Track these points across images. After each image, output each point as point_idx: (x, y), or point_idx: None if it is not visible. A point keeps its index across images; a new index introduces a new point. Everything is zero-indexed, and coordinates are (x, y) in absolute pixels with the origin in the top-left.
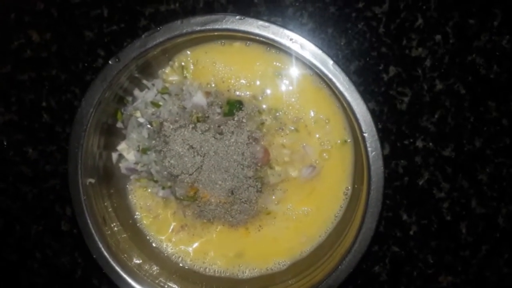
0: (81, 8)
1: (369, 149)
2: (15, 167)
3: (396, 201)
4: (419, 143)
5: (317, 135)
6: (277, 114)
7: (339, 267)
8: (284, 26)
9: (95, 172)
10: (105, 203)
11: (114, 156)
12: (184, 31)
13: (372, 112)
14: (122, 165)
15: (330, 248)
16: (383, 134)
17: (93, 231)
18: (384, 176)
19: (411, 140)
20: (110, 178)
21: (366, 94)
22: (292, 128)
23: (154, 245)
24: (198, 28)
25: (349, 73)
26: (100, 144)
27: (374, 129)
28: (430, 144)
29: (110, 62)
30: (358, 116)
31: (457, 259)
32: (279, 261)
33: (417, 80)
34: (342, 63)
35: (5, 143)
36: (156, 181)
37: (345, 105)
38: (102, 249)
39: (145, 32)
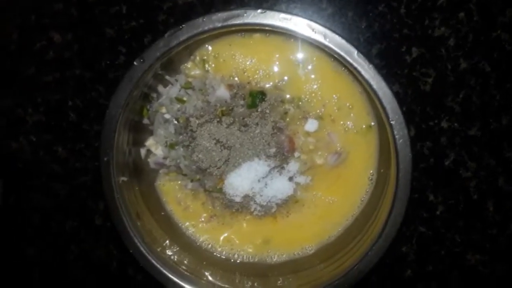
0: (100, 6)
1: (396, 136)
2: (46, 166)
3: (422, 183)
4: (444, 124)
5: (341, 122)
6: (300, 102)
7: (369, 252)
8: (303, 13)
9: (126, 169)
10: (137, 198)
11: (143, 151)
12: (207, 27)
13: (396, 95)
14: (151, 160)
15: (358, 232)
16: (408, 116)
17: (128, 227)
18: (412, 162)
19: (436, 121)
20: (140, 173)
21: (389, 76)
22: (316, 116)
23: (185, 235)
24: (220, 24)
25: (371, 57)
26: (129, 141)
27: (401, 116)
28: (456, 124)
29: (135, 63)
30: (385, 103)
31: (485, 237)
32: (306, 246)
33: (441, 60)
34: (364, 46)
35: (35, 141)
36: (184, 175)
37: (371, 93)
38: (138, 244)
39: (166, 29)
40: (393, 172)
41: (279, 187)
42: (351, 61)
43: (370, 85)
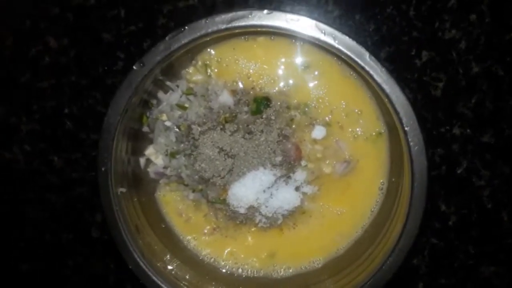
0: (97, 10)
1: (411, 143)
2: (41, 176)
3: (434, 192)
4: (456, 130)
5: (350, 129)
6: (306, 109)
7: (383, 266)
8: (309, 15)
9: (125, 179)
10: (137, 210)
11: (142, 161)
12: (210, 30)
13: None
14: (151, 170)
15: (369, 245)
16: (418, 123)
17: (127, 241)
18: (427, 171)
19: (448, 128)
20: (139, 184)
21: (399, 81)
22: (323, 122)
23: (187, 248)
24: (224, 26)
25: (380, 60)
26: (127, 149)
27: (416, 121)
28: (468, 130)
29: (134, 67)
30: (398, 109)
31: (500, 248)
32: (313, 260)
33: (452, 64)
34: (372, 50)
35: (30, 150)
36: (186, 185)
37: (383, 98)
38: (138, 259)
39: (166, 33)
40: (407, 181)
41: (286, 197)
42: (362, 64)
43: (382, 90)
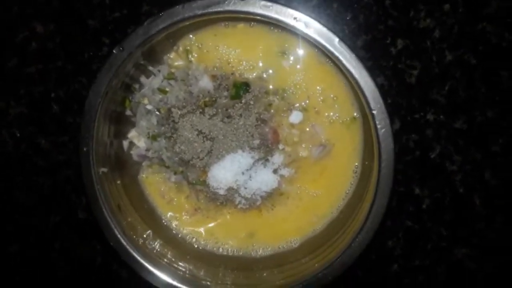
0: None
1: (378, 126)
2: (29, 159)
3: (408, 176)
4: (430, 116)
5: (326, 113)
6: (285, 94)
7: (352, 244)
8: (287, 4)
9: (107, 161)
10: (119, 191)
11: (125, 143)
12: (186, 15)
13: (381, 87)
14: (134, 152)
15: (342, 225)
16: (393, 109)
17: (109, 219)
18: (394, 153)
19: (422, 114)
20: (123, 166)
21: (374, 69)
22: (300, 107)
23: (169, 228)
24: (200, 12)
25: (357, 49)
26: (110, 132)
27: (383, 105)
28: (441, 117)
29: (114, 51)
30: (367, 93)
31: (472, 232)
32: (290, 240)
33: (426, 52)
34: (349, 38)
35: (18, 135)
36: (168, 167)
37: (352, 82)
38: (119, 236)
39: (147, 19)
40: (375, 163)
41: (264, 179)
42: (332, 49)
43: (351, 74)
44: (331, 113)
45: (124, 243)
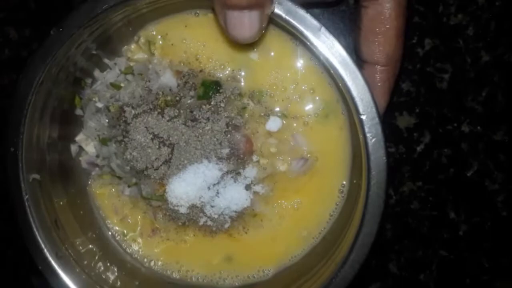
0: None
1: (368, 134)
2: None
3: (441, 197)
4: (465, 128)
5: (307, 119)
6: (263, 97)
7: (334, 279)
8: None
9: (44, 167)
10: (61, 203)
11: (73, 148)
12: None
13: (407, 94)
14: (83, 159)
15: (325, 254)
16: (422, 120)
17: (38, 236)
18: (387, 168)
19: (455, 125)
20: (68, 174)
21: (399, 73)
22: (279, 113)
23: (120, 251)
24: None
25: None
26: (51, 134)
27: (374, 109)
28: (478, 127)
29: (51, 32)
30: (354, 94)
31: None
32: (264, 269)
33: (459, 53)
34: None
35: None
36: (120, 178)
37: (338, 80)
38: (50, 258)
39: None
40: (364, 181)
41: (234, 196)
42: (313, 39)
43: (335, 70)
44: (315, 121)
45: (56, 266)
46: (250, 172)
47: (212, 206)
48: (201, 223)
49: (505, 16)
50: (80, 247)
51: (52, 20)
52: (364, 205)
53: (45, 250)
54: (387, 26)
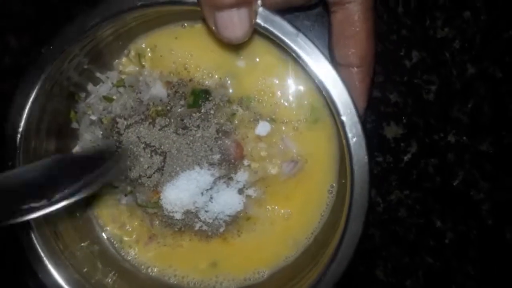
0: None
1: (349, 135)
2: None
3: (427, 206)
4: (451, 138)
5: (297, 125)
6: (252, 102)
7: (322, 278)
8: (289, 14)
9: None
10: (58, 214)
11: None
12: (127, 6)
13: (395, 105)
14: None
15: (317, 254)
16: (409, 130)
17: (38, 247)
18: (369, 167)
19: (442, 135)
20: None
21: (387, 84)
22: (268, 118)
23: (119, 258)
24: (140, 2)
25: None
26: (48, 147)
27: (353, 109)
28: (464, 138)
29: (42, 51)
30: (334, 96)
31: (503, 270)
32: (259, 271)
33: (445, 65)
34: None
35: None
36: (116, 187)
37: (317, 83)
38: (50, 266)
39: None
40: (348, 181)
41: (227, 201)
42: (292, 45)
43: (314, 74)
44: (304, 125)
45: (55, 272)
46: (242, 176)
47: (206, 211)
48: (196, 228)
49: (490, 30)
50: (79, 255)
51: (52, 28)
52: (349, 204)
53: (45, 259)
54: (357, 29)
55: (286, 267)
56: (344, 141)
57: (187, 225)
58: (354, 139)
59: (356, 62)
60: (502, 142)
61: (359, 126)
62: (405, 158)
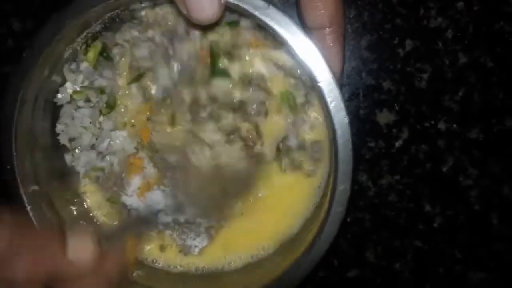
0: None
1: (328, 99)
2: None
3: (417, 191)
4: (442, 125)
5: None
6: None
7: (315, 243)
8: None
9: (41, 178)
10: (60, 209)
11: (68, 157)
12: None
13: (388, 92)
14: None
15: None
16: (401, 117)
17: None
18: (349, 127)
19: (433, 122)
20: (63, 181)
21: (380, 72)
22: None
23: None
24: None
25: (361, 49)
26: (46, 145)
27: (329, 75)
28: (454, 125)
29: (24, 55)
30: (308, 64)
31: (489, 254)
32: (263, 247)
33: (438, 54)
34: (353, 38)
35: None
36: None
37: (291, 53)
38: None
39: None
40: (332, 144)
41: None
42: (264, 19)
43: (288, 44)
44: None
45: None
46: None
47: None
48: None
49: (483, 21)
50: None
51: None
52: (335, 165)
53: None
54: None
55: (290, 241)
56: (323, 107)
57: None
58: (333, 103)
59: (326, 22)
60: (491, 130)
61: (336, 90)
62: (397, 144)
